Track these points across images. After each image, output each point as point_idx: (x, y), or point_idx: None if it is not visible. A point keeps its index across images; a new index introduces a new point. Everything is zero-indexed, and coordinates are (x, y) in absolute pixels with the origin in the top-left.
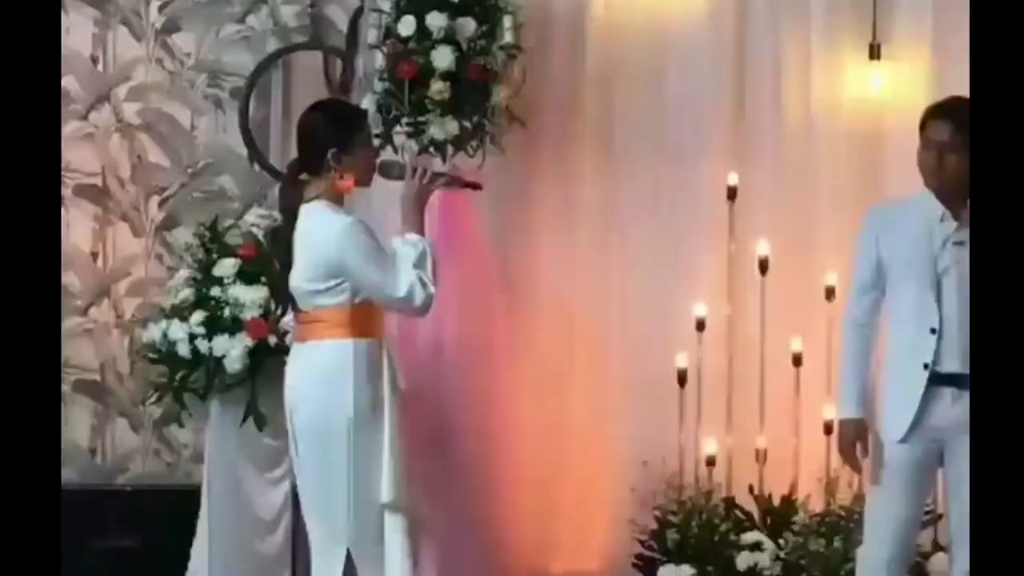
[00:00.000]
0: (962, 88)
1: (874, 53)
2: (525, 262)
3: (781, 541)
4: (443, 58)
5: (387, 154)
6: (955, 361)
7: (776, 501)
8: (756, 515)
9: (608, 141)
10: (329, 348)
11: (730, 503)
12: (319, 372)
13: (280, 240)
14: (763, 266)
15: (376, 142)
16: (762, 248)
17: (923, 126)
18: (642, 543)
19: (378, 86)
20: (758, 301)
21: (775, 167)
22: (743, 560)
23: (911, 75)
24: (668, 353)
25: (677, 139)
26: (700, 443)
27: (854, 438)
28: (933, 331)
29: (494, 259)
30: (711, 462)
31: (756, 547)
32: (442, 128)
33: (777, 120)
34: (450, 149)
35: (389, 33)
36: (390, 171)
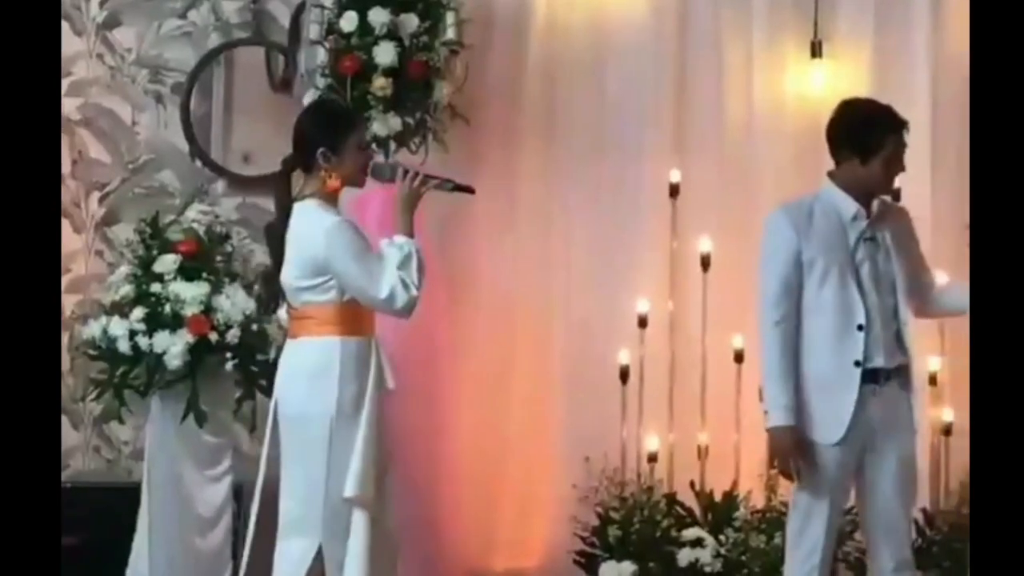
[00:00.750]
0: (902, 85)
1: (816, 51)
2: (467, 259)
3: (722, 537)
4: (385, 54)
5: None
6: (879, 357)
7: (717, 497)
8: (697, 511)
9: (550, 138)
10: (317, 345)
11: (671, 499)
12: (306, 368)
13: (273, 236)
14: (705, 263)
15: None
16: (704, 245)
17: None
18: (583, 539)
19: (320, 82)
20: (700, 298)
21: (717, 164)
22: (684, 556)
23: (852, 73)
24: (610, 349)
25: (619, 136)
26: (642, 439)
27: (789, 446)
28: (860, 327)
29: (436, 256)
30: (653, 458)
31: (697, 543)
32: (384, 124)
33: (719, 117)
34: (392, 145)
35: (331, 29)
36: (382, 173)
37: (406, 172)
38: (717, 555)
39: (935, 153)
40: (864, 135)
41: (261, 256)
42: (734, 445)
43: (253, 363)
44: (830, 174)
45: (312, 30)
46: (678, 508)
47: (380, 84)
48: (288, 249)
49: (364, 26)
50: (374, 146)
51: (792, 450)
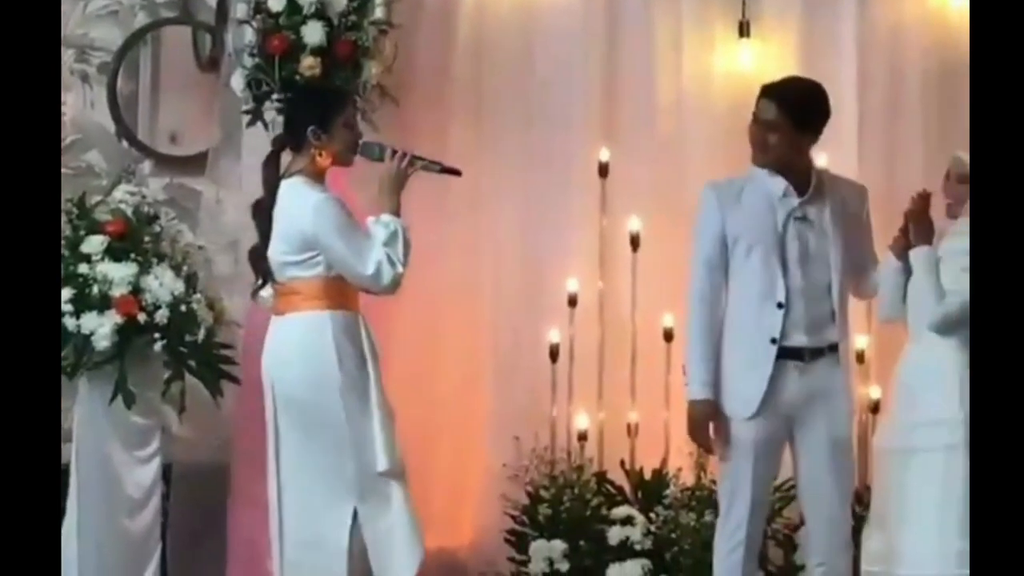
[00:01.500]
0: (829, 65)
1: (744, 31)
2: None
3: (652, 515)
4: (313, 33)
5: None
6: (800, 335)
7: (647, 475)
8: (627, 489)
9: (479, 118)
10: (306, 319)
11: (601, 478)
12: (298, 343)
13: (261, 212)
14: (635, 242)
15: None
16: (633, 224)
17: (756, 104)
18: (514, 518)
19: (248, 61)
20: (630, 276)
21: (646, 143)
22: (614, 534)
23: (780, 53)
24: (540, 329)
25: (548, 116)
26: (572, 418)
27: (705, 419)
28: (780, 305)
29: None
30: (583, 437)
31: (627, 521)
32: None
33: (648, 97)
34: None
35: (259, 8)
36: (371, 152)
37: (394, 152)
38: (647, 533)
39: (861, 133)
40: (825, 115)
41: (189, 236)
42: (664, 423)
43: (182, 344)
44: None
45: (240, 9)
46: (608, 486)
47: (308, 64)
48: (275, 225)
49: (292, 5)
50: None
51: (705, 423)
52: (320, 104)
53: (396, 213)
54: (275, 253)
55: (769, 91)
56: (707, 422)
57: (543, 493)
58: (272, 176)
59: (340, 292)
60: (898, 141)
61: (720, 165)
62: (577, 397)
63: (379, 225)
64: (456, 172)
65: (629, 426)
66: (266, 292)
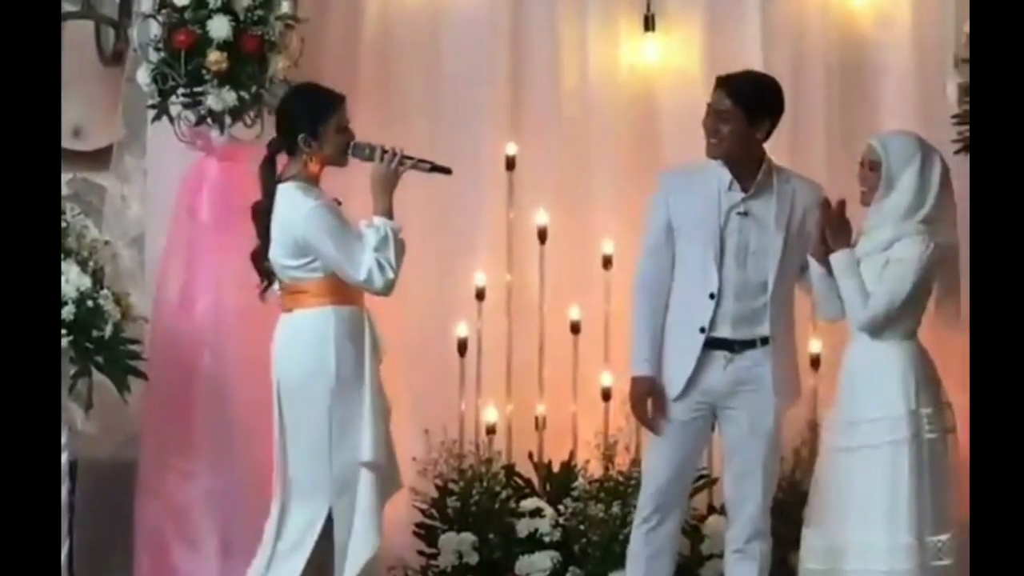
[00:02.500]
0: (734, 58)
1: (649, 25)
2: None
3: (561, 507)
4: (220, 28)
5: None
6: (728, 327)
7: (555, 467)
8: (536, 482)
9: (386, 112)
10: (312, 315)
11: (510, 470)
12: (304, 339)
13: (259, 215)
14: (542, 235)
15: (154, 113)
16: (541, 217)
17: (712, 94)
18: (423, 511)
19: (153, 56)
20: (537, 270)
21: (553, 137)
22: (523, 526)
23: (684, 46)
24: (448, 322)
25: (455, 109)
26: (480, 411)
27: (644, 395)
28: (712, 296)
29: None
30: (491, 430)
31: (536, 513)
32: (219, 98)
33: (554, 90)
34: (228, 119)
35: (164, 2)
36: (360, 153)
37: (384, 152)
38: (556, 525)
39: None
40: (777, 102)
41: (95, 232)
42: (572, 416)
43: (88, 340)
44: None
45: (144, 3)
46: (517, 479)
47: (215, 58)
48: (273, 230)
49: (198, 0)
50: (209, 121)
51: (644, 398)
52: (310, 112)
53: (388, 214)
54: (275, 256)
55: (724, 82)
56: (645, 398)
57: (452, 486)
58: (268, 179)
59: (344, 287)
60: (801, 134)
61: (626, 158)
62: (485, 390)
63: (371, 229)
64: (446, 171)
65: (537, 419)
66: (275, 289)
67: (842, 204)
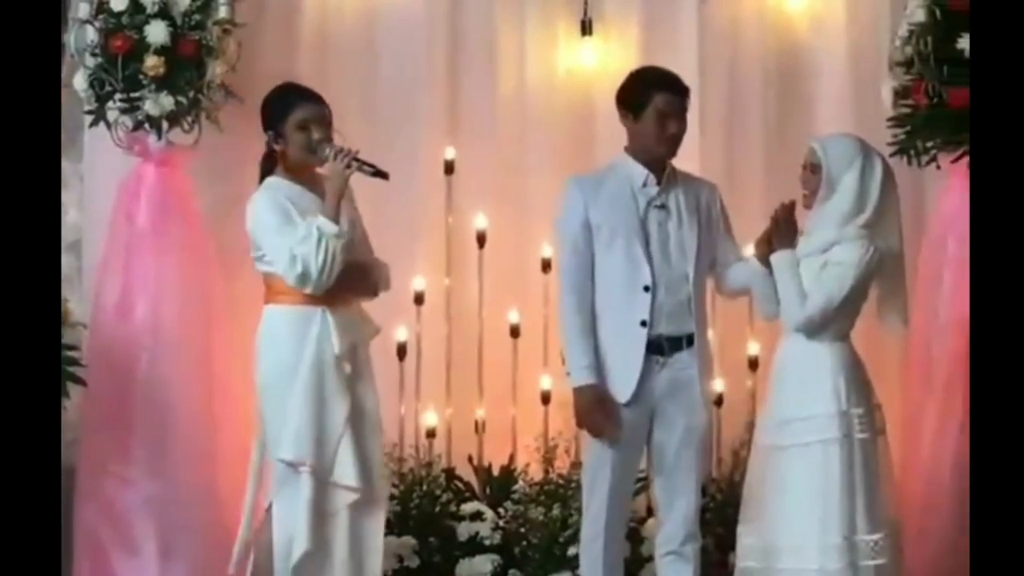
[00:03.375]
0: (670, 62)
1: (586, 29)
2: (241, 239)
3: (501, 510)
4: (157, 33)
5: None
6: (663, 322)
7: (495, 471)
8: (476, 485)
9: None
10: (268, 312)
11: (450, 474)
12: (263, 334)
13: None
14: (481, 239)
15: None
16: (480, 221)
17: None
18: None
19: (90, 61)
20: (476, 274)
21: (491, 141)
22: (464, 530)
23: (622, 50)
24: (387, 326)
25: (393, 114)
26: (420, 415)
27: (593, 404)
28: (647, 288)
29: (209, 236)
30: (431, 434)
31: (476, 517)
32: (157, 104)
33: (492, 95)
34: (165, 125)
35: (101, 8)
36: (321, 152)
37: (337, 153)
38: (496, 528)
39: (703, 128)
40: (632, 92)
41: None
42: (511, 419)
43: None
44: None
45: (81, 9)
46: (457, 483)
47: (152, 63)
48: None
49: (135, 4)
50: (146, 126)
51: (595, 407)
52: (272, 110)
53: (330, 215)
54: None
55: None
56: (594, 407)
57: (392, 490)
58: (261, 174)
59: (285, 286)
60: (737, 136)
61: (563, 162)
62: (425, 394)
63: (302, 227)
64: (384, 175)
65: (477, 422)
66: None
67: (792, 205)
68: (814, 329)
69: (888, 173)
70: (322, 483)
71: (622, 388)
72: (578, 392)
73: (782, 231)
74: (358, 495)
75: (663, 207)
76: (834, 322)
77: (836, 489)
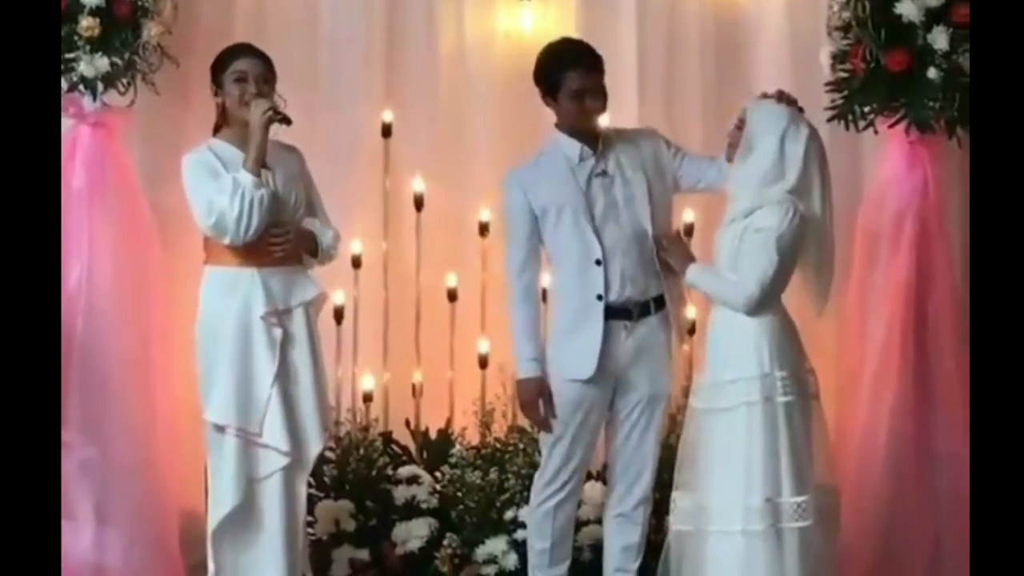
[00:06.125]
0: (609, 25)
1: None
2: (177, 203)
3: (438, 474)
4: None
5: None
6: (624, 288)
7: (433, 435)
8: (413, 449)
9: None
10: (204, 273)
11: (387, 438)
12: (200, 296)
13: None
14: (418, 202)
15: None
16: (417, 185)
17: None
18: None
19: None
20: (414, 237)
21: (429, 105)
22: (400, 493)
23: (560, 15)
24: (324, 290)
25: (331, 78)
26: (357, 379)
27: (536, 396)
28: (598, 262)
29: (145, 200)
30: (368, 398)
31: (413, 480)
32: (91, 65)
33: (430, 58)
34: (100, 86)
35: None
36: (248, 106)
37: (256, 103)
38: (433, 492)
39: (641, 95)
40: (544, 73)
41: None
42: (448, 383)
43: None
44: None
45: None
46: (394, 446)
47: (87, 24)
48: None
49: None
50: (81, 88)
51: (536, 400)
52: (216, 61)
53: (251, 168)
54: None
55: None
56: (536, 399)
57: (329, 454)
58: (215, 133)
59: (220, 247)
60: (676, 105)
61: (501, 127)
62: (362, 358)
63: (224, 179)
64: (287, 121)
65: (414, 386)
66: None
67: (677, 236)
68: (762, 304)
69: (815, 142)
70: (251, 446)
71: (584, 365)
72: (521, 384)
73: (676, 256)
74: (288, 459)
75: (604, 173)
76: (779, 291)
77: (759, 452)
